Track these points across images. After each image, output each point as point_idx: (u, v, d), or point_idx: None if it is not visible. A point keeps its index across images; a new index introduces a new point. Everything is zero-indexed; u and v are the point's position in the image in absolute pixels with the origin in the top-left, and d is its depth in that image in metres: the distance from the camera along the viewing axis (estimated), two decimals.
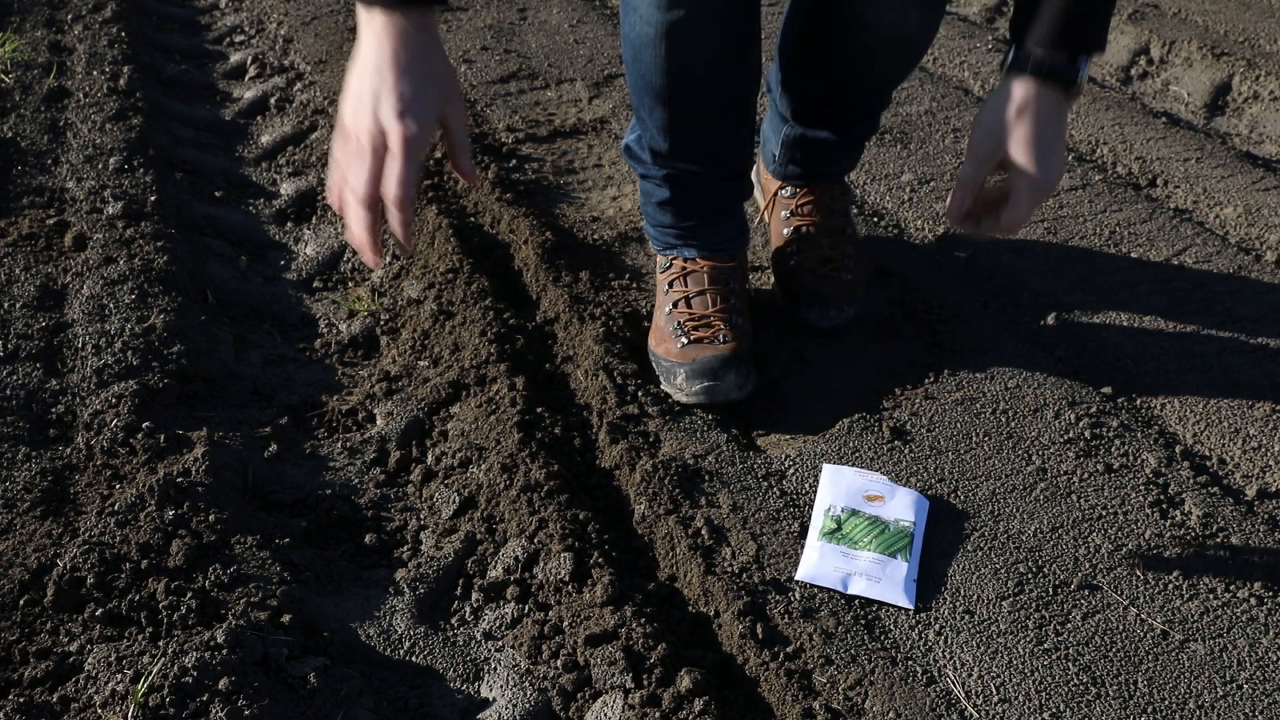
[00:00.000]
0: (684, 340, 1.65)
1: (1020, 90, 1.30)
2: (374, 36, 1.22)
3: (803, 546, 1.40)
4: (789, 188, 1.90)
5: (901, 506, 1.44)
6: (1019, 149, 1.30)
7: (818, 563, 1.38)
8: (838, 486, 1.47)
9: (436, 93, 1.22)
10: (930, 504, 1.46)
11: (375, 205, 1.21)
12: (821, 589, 1.35)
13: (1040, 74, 1.30)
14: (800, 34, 1.73)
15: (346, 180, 1.22)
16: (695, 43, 1.51)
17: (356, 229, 1.23)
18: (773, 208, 1.96)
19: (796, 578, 1.36)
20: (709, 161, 1.67)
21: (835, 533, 1.41)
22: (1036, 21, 1.31)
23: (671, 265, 1.73)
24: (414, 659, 1.29)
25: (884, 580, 1.35)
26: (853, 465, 1.53)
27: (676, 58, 1.52)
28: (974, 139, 1.34)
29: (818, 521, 1.43)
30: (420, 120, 1.20)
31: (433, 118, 1.22)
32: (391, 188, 1.20)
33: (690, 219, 1.70)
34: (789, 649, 1.28)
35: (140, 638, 1.22)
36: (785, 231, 1.88)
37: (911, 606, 1.33)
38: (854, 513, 1.43)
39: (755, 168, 2.06)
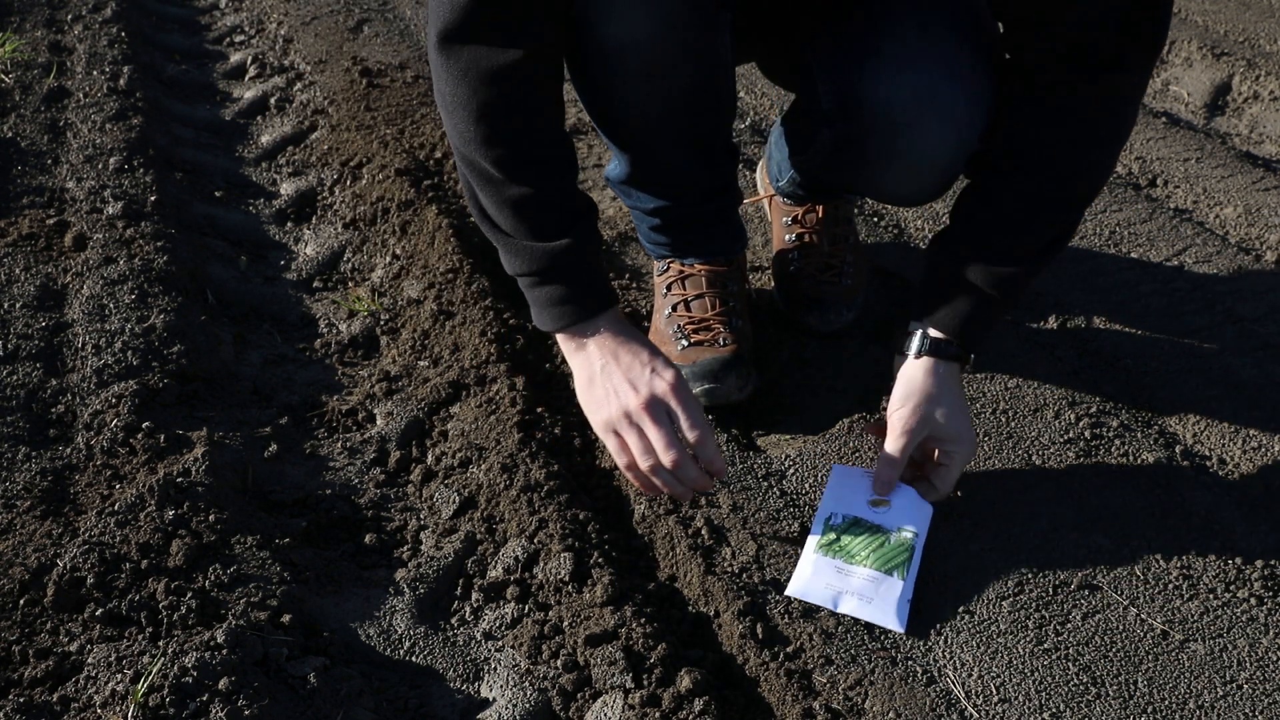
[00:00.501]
0: (684, 343, 1.65)
1: (934, 369, 1.42)
2: (588, 353, 1.41)
3: (798, 557, 1.38)
4: (789, 201, 1.90)
5: (906, 513, 1.41)
6: (950, 424, 1.41)
7: (810, 579, 1.35)
8: (842, 490, 1.44)
9: (667, 359, 1.39)
10: (933, 508, 1.45)
11: (686, 456, 1.34)
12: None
13: (949, 355, 1.43)
14: (808, 165, 1.69)
15: (655, 467, 1.35)
16: (649, 90, 1.42)
17: (687, 486, 1.37)
18: (774, 211, 1.95)
19: (788, 592, 1.34)
20: (686, 191, 1.62)
21: (833, 545, 1.37)
22: (940, 312, 1.44)
23: (669, 269, 1.72)
24: (414, 659, 1.29)
25: (876, 600, 1.32)
26: (853, 465, 1.53)
27: (631, 107, 1.44)
28: (900, 417, 1.41)
29: (817, 531, 1.40)
30: (671, 369, 1.37)
31: (677, 371, 1.37)
32: (685, 429, 1.34)
33: (682, 236, 1.68)
34: (789, 649, 1.28)
35: (140, 638, 1.22)
36: (787, 238, 1.88)
37: (902, 630, 1.29)
38: (855, 523, 1.40)
39: (758, 165, 2.05)
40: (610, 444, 1.39)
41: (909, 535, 1.39)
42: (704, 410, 1.47)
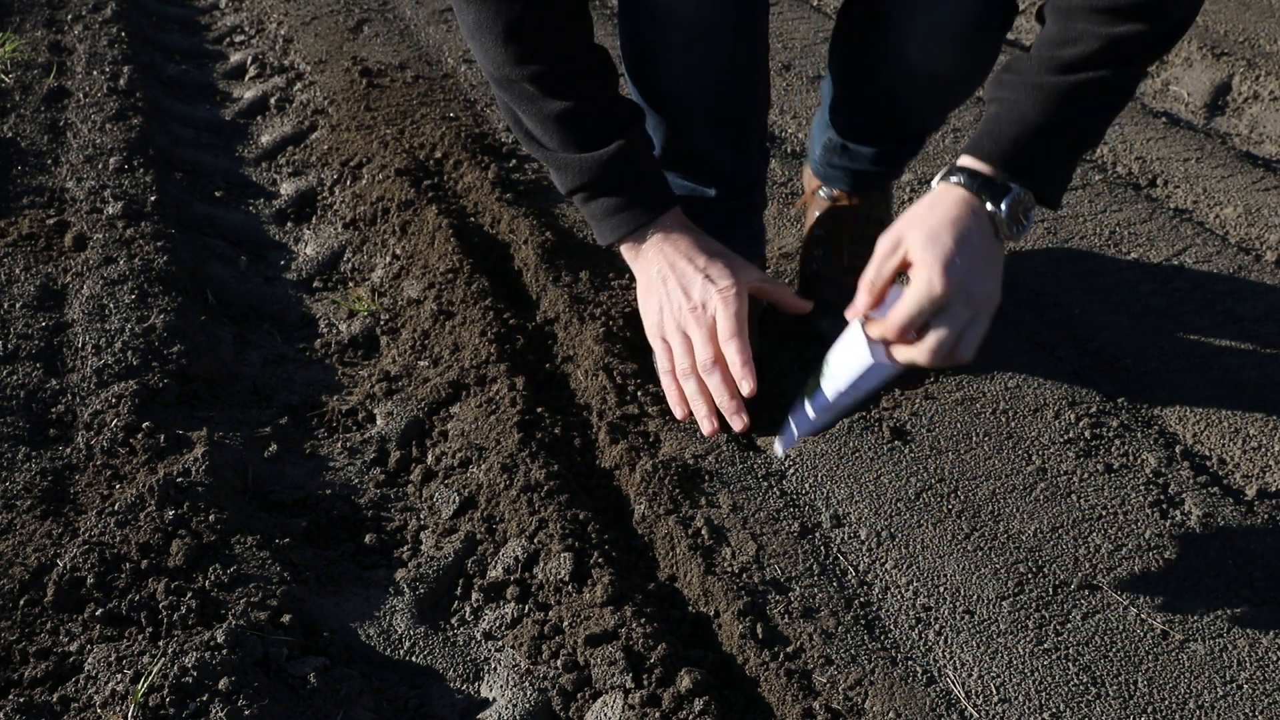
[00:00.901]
0: None
1: (939, 193, 1.22)
2: (653, 255, 1.37)
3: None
4: (826, 189, 1.85)
5: (843, 352, 1.30)
6: (919, 246, 1.18)
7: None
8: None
9: (731, 263, 1.34)
10: (889, 371, 1.27)
11: (718, 363, 1.30)
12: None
13: (962, 183, 1.21)
14: (844, 58, 1.67)
15: (687, 372, 1.32)
16: (689, 59, 1.45)
17: (713, 398, 1.32)
18: (809, 205, 1.93)
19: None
20: (710, 179, 1.63)
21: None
22: (980, 133, 1.25)
23: None
24: (414, 659, 1.29)
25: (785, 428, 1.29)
26: (853, 464, 1.53)
27: (671, 76, 1.47)
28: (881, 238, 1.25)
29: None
30: (731, 279, 1.32)
31: (741, 279, 1.32)
32: (721, 336, 1.29)
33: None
34: (789, 649, 1.28)
35: (140, 638, 1.22)
36: (816, 233, 1.84)
37: (780, 453, 1.27)
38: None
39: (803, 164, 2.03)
40: (656, 349, 1.37)
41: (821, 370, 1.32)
42: (751, 324, 1.35)
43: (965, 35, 1.46)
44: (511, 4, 1.30)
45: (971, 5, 1.43)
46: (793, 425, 1.33)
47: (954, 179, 1.22)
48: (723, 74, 1.47)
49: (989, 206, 1.20)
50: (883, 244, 1.23)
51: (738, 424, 1.34)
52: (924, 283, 1.16)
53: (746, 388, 1.30)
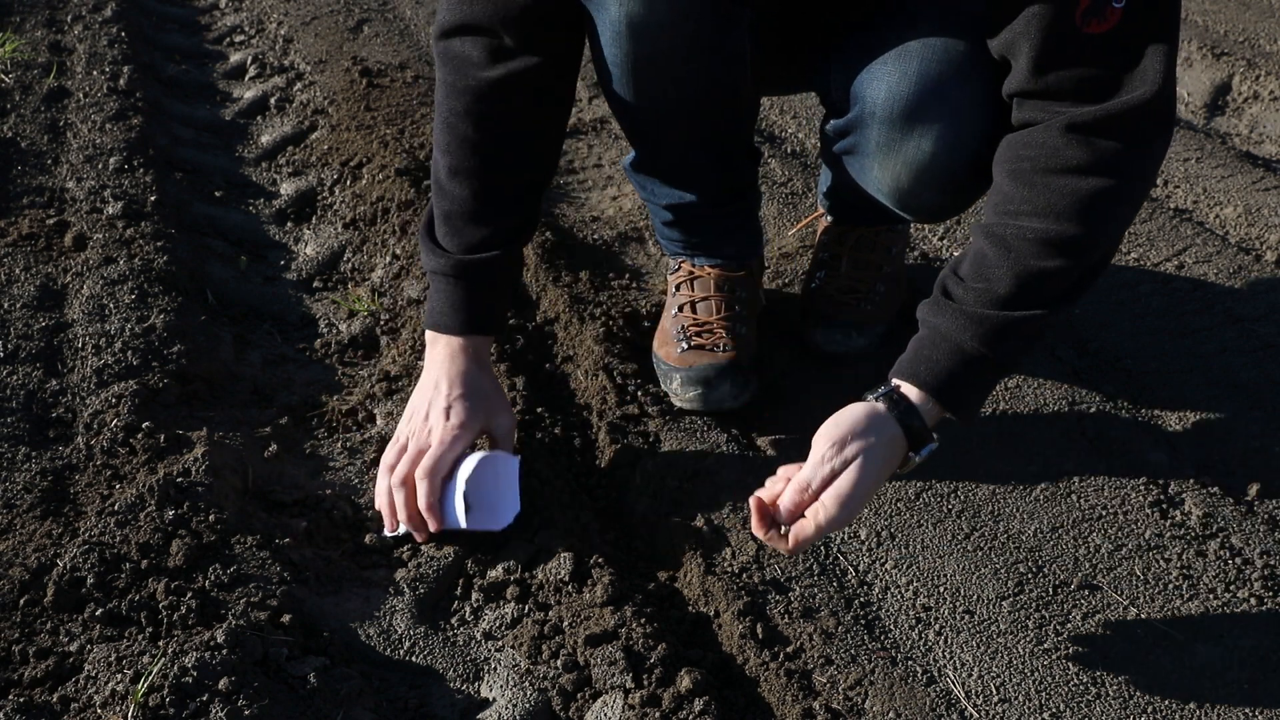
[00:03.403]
0: (684, 345, 1.65)
1: (874, 418, 1.23)
2: (435, 360, 1.47)
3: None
4: (831, 217, 1.84)
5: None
6: (832, 494, 1.19)
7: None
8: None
9: (482, 407, 1.45)
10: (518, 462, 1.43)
11: (406, 484, 1.40)
12: None
13: (898, 419, 1.23)
14: (831, 161, 1.65)
15: (386, 468, 1.44)
16: (654, 77, 1.41)
17: (382, 499, 1.42)
18: (818, 223, 1.92)
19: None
20: (701, 189, 1.61)
21: None
22: (915, 356, 1.27)
23: (680, 268, 1.72)
24: (414, 659, 1.29)
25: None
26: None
27: (644, 93, 1.43)
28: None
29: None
30: (462, 421, 1.42)
31: (476, 424, 1.43)
32: (425, 464, 1.38)
33: (695, 235, 1.68)
34: (789, 649, 1.28)
35: (140, 638, 1.22)
36: (821, 256, 1.82)
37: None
38: None
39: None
40: (387, 455, 1.44)
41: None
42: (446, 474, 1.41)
43: (943, 176, 1.44)
44: (458, 98, 1.42)
45: (946, 147, 1.40)
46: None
47: (893, 412, 1.24)
48: (693, 93, 1.43)
49: (909, 453, 1.24)
50: (812, 456, 1.23)
51: (419, 536, 1.43)
52: (829, 519, 1.19)
53: (418, 534, 1.42)
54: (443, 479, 1.39)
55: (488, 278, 1.47)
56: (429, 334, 1.49)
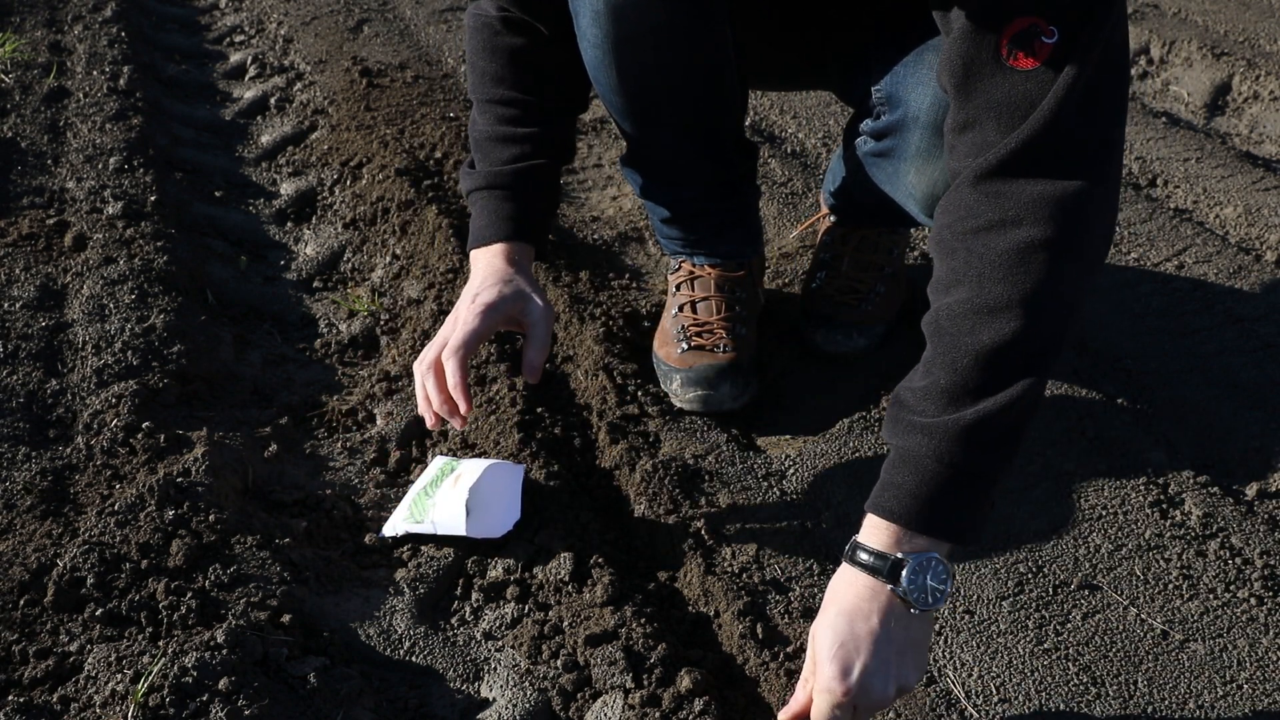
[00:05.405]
0: (684, 346, 1.65)
1: (843, 577, 1.10)
2: (474, 271, 1.50)
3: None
4: (835, 218, 1.84)
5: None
6: (822, 648, 1.06)
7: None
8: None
9: (512, 291, 1.44)
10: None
11: (435, 370, 1.40)
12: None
13: (862, 564, 1.08)
14: (851, 163, 1.64)
15: (417, 365, 1.42)
16: (643, 55, 1.41)
17: (420, 397, 1.41)
18: (820, 224, 1.92)
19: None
20: (692, 181, 1.61)
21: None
22: (881, 483, 1.10)
23: (680, 268, 1.72)
24: (414, 659, 1.29)
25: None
26: (853, 464, 1.53)
27: (626, 74, 1.43)
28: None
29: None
30: (488, 303, 1.42)
31: (503, 307, 1.43)
32: (450, 346, 1.39)
33: (693, 233, 1.67)
34: (789, 649, 1.28)
35: (140, 638, 1.22)
36: (822, 256, 1.82)
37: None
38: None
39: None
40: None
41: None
42: (472, 355, 1.43)
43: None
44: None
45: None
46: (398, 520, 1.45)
47: (857, 557, 1.09)
48: (675, 76, 1.43)
49: (889, 587, 1.07)
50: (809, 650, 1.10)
51: (455, 423, 1.41)
52: (824, 699, 1.05)
53: (455, 420, 1.40)
54: (461, 368, 1.37)
55: (521, 185, 1.51)
56: (471, 256, 1.51)
